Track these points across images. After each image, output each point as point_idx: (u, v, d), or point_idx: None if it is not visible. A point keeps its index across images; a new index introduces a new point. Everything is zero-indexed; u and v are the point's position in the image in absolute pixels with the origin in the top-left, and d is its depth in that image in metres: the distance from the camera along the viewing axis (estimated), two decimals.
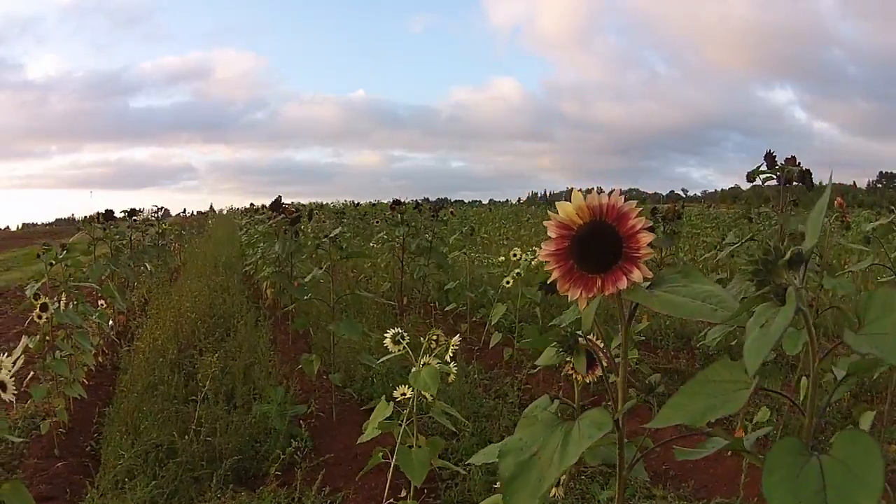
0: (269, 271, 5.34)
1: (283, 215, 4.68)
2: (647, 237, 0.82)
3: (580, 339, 1.14)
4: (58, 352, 3.23)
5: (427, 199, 9.90)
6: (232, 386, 3.68)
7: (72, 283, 3.50)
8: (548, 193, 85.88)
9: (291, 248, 4.39)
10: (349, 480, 2.73)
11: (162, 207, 9.04)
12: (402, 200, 6.76)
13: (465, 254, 5.53)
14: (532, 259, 4.78)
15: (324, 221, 10.81)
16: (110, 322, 5.55)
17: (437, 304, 6.10)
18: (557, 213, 0.87)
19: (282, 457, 2.58)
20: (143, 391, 3.44)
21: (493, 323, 4.62)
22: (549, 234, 0.89)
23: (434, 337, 2.13)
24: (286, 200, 5.44)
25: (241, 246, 12.28)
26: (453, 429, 2.56)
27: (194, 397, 3.65)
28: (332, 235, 3.04)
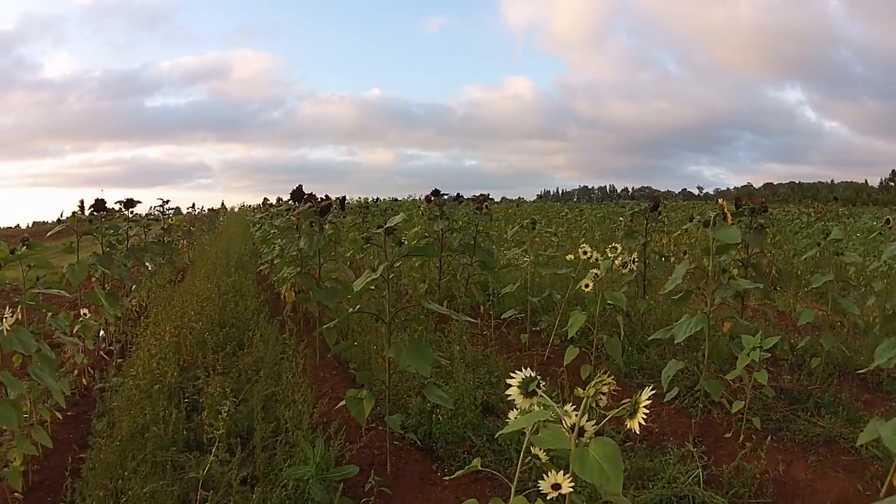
0: (291, 271, 4.44)
1: (309, 204, 3.78)
2: None
3: None
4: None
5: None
6: (249, 424, 2.80)
7: (33, 290, 2.62)
8: (560, 191, 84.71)
9: (321, 243, 3.48)
10: None
11: (167, 201, 8.18)
12: (441, 191, 5.86)
13: (525, 251, 4.60)
14: (615, 257, 3.87)
15: (344, 217, 9.92)
16: (101, 333, 4.69)
17: (482, 307, 5.18)
18: None
19: None
20: (129, 437, 2.56)
21: (570, 335, 3.70)
22: None
23: (604, 388, 1.22)
24: None
25: (255, 243, 11.42)
26: None
27: (199, 441, 2.78)
28: (389, 226, 2.13)
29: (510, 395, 1.25)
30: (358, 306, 2.17)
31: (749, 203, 4.27)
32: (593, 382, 1.16)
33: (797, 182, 72.07)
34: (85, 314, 3.74)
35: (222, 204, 30.35)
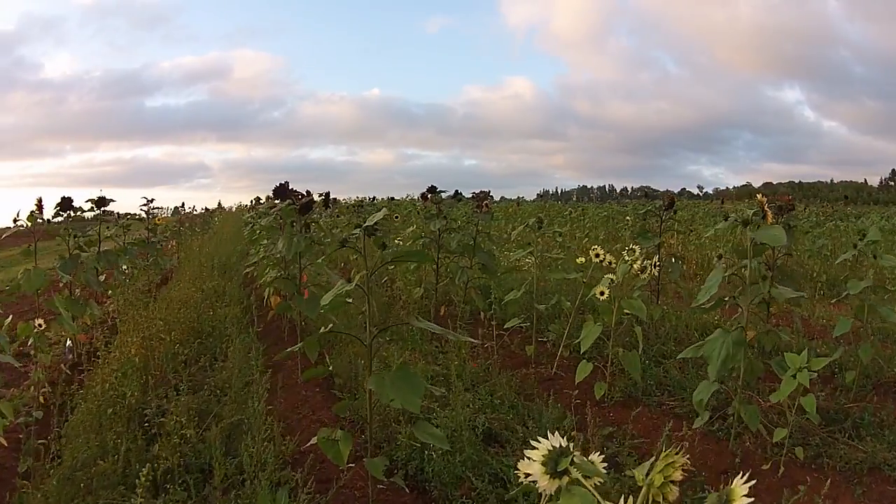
0: (273, 275, 4.05)
1: (288, 202, 3.39)
2: None
3: None
4: None
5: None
6: (210, 458, 2.40)
7: None
8: (560, 191, 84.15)
9: (301, 245, 3.09)
10: None
11: (151, 200, 7.79)
12: (438, 187, 5.47)
13: (531, 253, 4.20)
14: (633, 261, 3.48)
15: (338, 216, 9.51)
16: (69, 344, 4.29)
17: (483, 314, 4.78)
18: None
19: None
20: (67, 476, 2.17)
21: (584, 349, 3.31)
22: None
23: (675, 475, 0.83)
24: None
25: (247, 244, 11.02)
26: None
27: (157, 476, 2.38)
28: (368, 224, 1.74)
29: (531, 474, 0.86)
30: (330, 325, 1.78)
31: (777, 200, 3.89)
32: (660, 465, 0.77)
33: (797, 181, 71.59)
34: (40, 325, 3.35)
35: (219, 203, 29.87)
